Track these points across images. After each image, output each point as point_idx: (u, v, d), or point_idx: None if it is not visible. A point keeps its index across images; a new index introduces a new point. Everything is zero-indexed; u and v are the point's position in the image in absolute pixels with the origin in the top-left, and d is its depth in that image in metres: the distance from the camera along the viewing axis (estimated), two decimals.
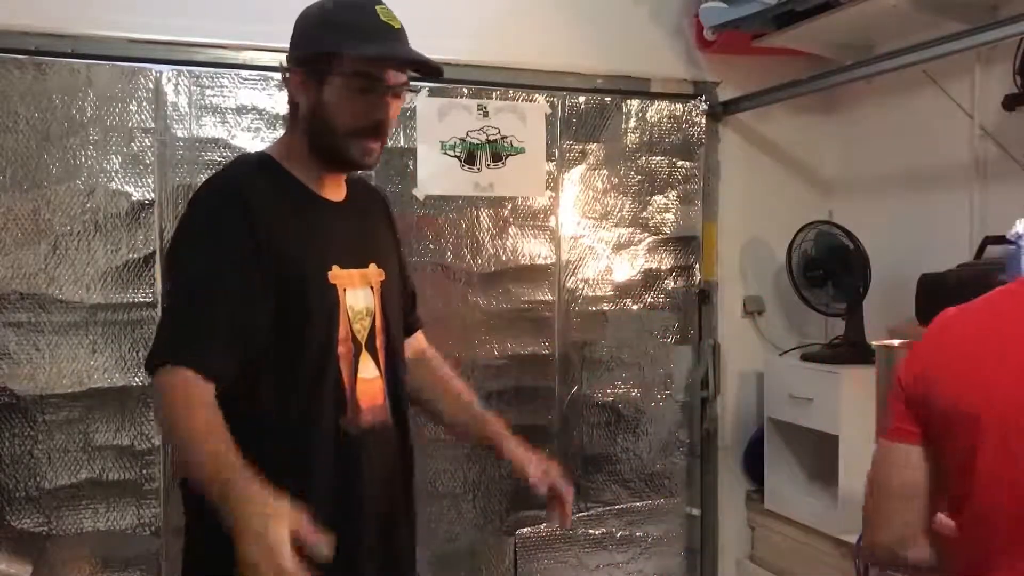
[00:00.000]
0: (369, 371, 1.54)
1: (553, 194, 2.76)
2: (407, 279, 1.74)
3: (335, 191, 1.59)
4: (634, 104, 2.84)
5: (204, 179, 1.55)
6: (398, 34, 1.51)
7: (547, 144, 2.74)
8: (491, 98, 2.67)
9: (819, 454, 2.62)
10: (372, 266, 1.59)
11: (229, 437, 1.31)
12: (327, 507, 1.44)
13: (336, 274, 1.50)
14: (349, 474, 1.50)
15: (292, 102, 1.54)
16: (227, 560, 1.20)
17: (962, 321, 1.28)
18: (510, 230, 2.70)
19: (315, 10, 1.52)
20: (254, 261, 1.42)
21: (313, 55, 1.49)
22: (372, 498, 1.53)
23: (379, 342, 1.57)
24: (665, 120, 2.88)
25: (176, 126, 2.36)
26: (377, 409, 1.55)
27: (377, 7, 1.50)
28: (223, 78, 2.39)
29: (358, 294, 1.54)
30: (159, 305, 2.32)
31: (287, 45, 1.54)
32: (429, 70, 1.53)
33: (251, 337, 1.42)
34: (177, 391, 1.35)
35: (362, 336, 1.53)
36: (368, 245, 1.61)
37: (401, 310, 1.68)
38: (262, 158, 1.57)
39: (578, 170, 2.79)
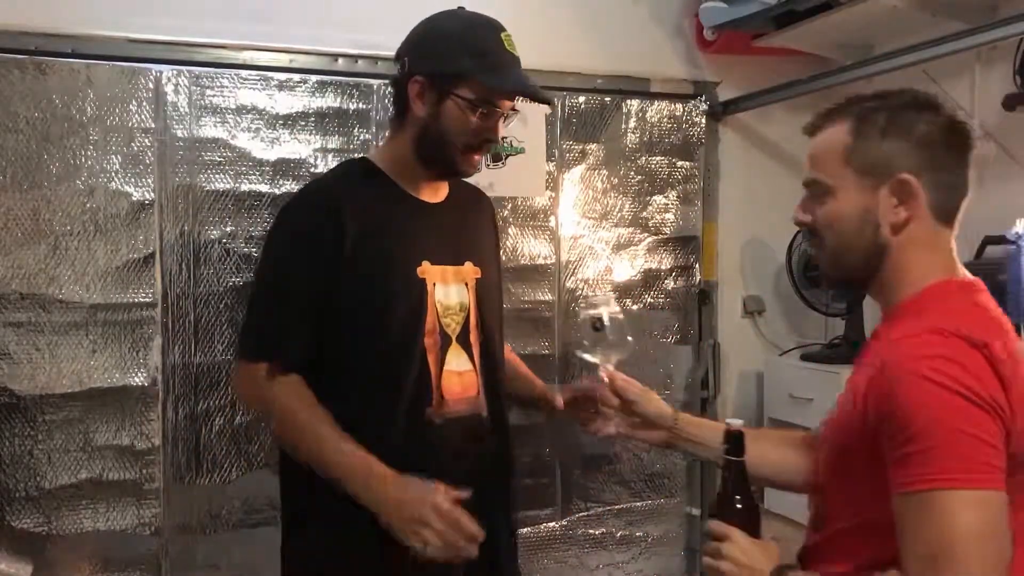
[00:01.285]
0: (460, 364, 1.60)
1: (553, 194, 2.76)
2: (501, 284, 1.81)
3: (433, 193, 1.66)
4: (634, 104, 2.84)
5: (301, 187, 1.67)
6: (519, 63, 1.61)
7: (547, 144, 2.73)
8: None
9: None
10: (468, 264, 1.65)
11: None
12: None
13: (425, 269, 1.57)
14: (430, 461, 1.54)
15: (403, 107, 1.60)
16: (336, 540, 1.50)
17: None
18: (510, 230, 2.70)
19: (450, 28, 1.58)
20: (336, 263, 1.51)
21: (447, 73, 1.54)
22: (455, 484, 1.54)
23: (473, 337, 1.63)
24: (665, 120, 2.88)
25: (176, 126, 2.35)
26: (468, 401, 1.60)
27: (502, 34, 1.59)
28: (223, 78, 2.39)
29: (450, 289, 1.60)
30: (159, 305, 2.33)
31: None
32: (541, 100, 1.66)
33: (324, 333, 1.53)
34: (274, 384, 1.50)
35: (452, 330, 1.60)
36: (465, 244, 1.67)
37: (500, 309, 1.74)
38: (363, 164, 1.67)
39: (578, 170, 2.79)
